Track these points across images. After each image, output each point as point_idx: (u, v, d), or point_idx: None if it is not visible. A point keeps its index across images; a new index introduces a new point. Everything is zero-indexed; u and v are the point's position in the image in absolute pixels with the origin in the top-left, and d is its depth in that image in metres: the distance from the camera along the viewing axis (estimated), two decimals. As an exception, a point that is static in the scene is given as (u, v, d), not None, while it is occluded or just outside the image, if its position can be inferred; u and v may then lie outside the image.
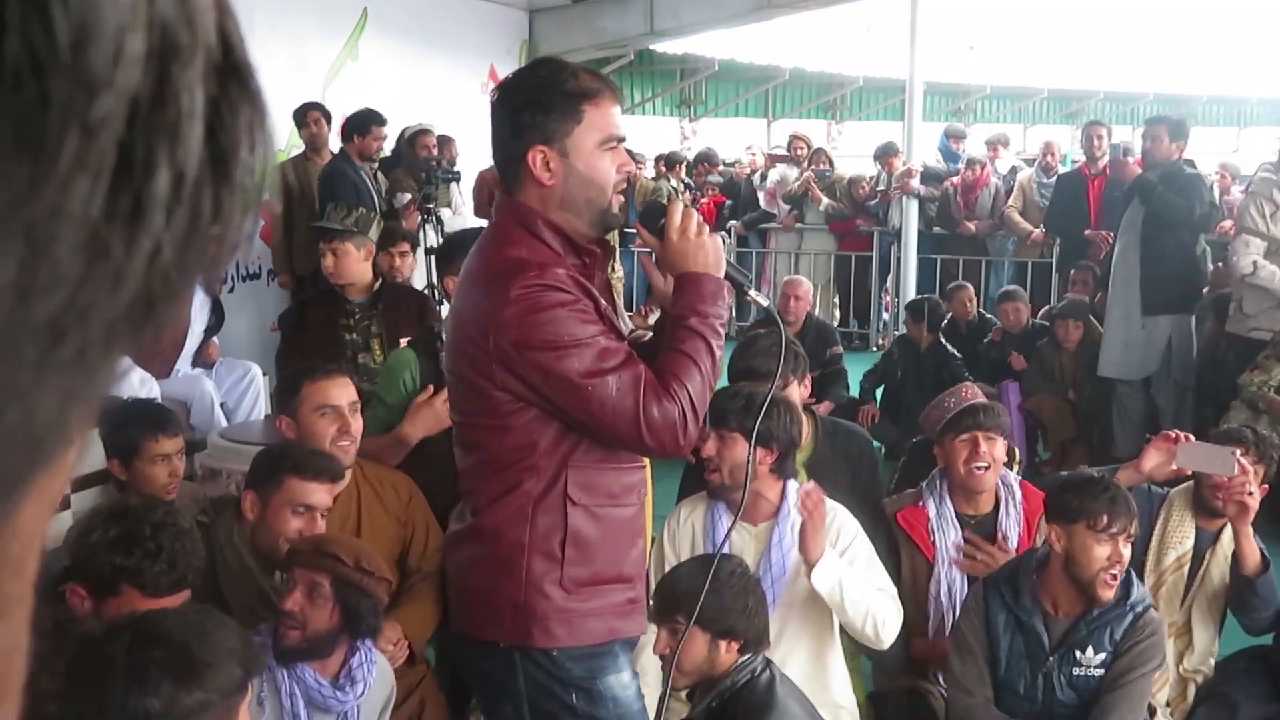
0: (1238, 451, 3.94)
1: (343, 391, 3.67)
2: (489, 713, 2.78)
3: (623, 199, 2.48)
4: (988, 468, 3.92)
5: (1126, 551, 3.38)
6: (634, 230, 2.60)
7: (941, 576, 3.94)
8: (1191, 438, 4.05)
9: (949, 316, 8.27)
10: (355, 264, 4.95)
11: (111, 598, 2.58)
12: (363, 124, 8.03)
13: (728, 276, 2.46)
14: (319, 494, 3.22)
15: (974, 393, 4.14)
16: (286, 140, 8.62)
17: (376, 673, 2.92)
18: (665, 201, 2.52)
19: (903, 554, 3.98)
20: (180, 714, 1.86)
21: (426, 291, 6.76)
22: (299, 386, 3.66)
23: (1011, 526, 4.01)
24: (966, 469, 3.94)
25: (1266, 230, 6.69)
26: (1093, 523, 3.31)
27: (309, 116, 8.15)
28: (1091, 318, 7.57)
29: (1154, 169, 7.01)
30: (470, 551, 2.52)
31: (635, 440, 2.32)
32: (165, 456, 3.92)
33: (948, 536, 3.98)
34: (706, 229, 2.45)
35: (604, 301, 2.44)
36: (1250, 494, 3.89)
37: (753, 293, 2.64)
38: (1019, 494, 4.07)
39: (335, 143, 8.32)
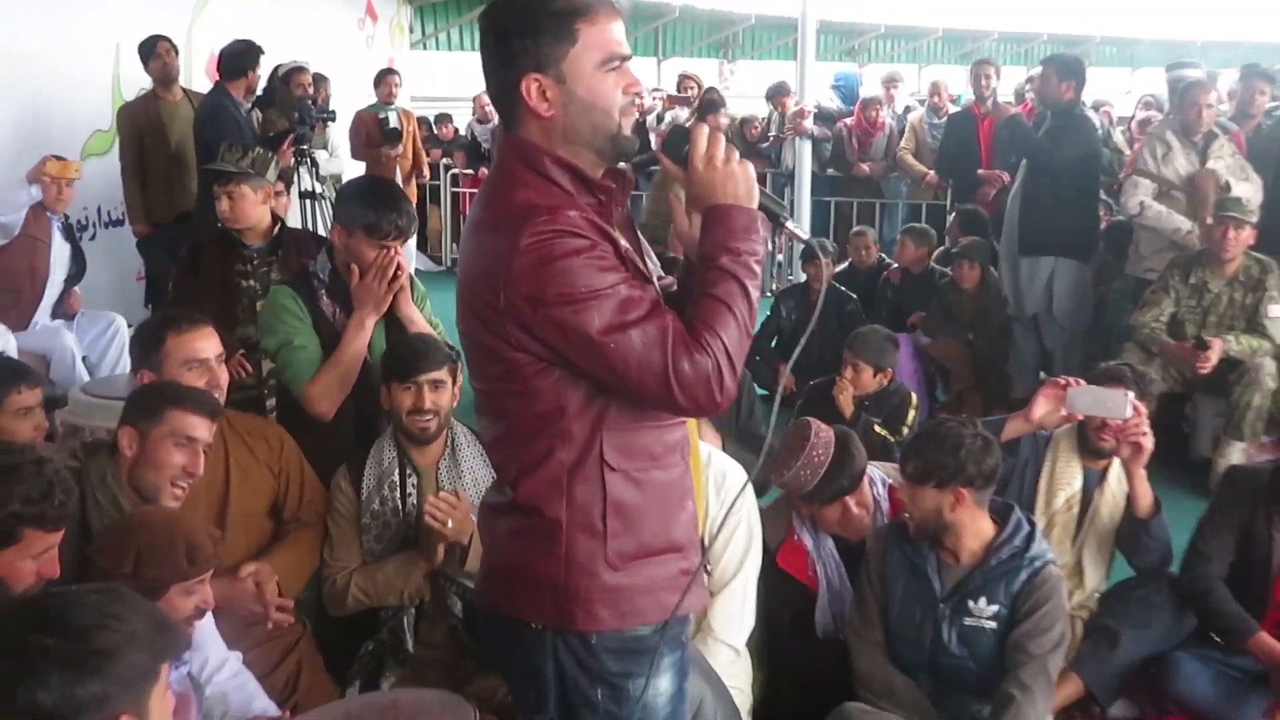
0: (1130, 393, 4.00)
1: (209, 343, 3.64)
2: (514, 695, 2.58)
3: (635, 117, 2.28)
4: (860, 518, 3.92)
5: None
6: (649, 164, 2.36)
7: (828, 604, 3.95)
8: (1081, 382, 4.10)
9: (848, 263, 8.34)
10: (253, 207, 4.82)
11: (12, 545, 2.56)
12: (242, 57, 7.77)
13: (762, 207, 2.26)
14: (201, 427, 3.23)
15: (826, 444, 3.87)
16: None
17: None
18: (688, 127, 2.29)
19: (788, 590, 3.95)
20: (75, 708, 1.76)
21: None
22: (163, 338, 3.60)
23: None
24: (842, 526, 3.95)
25: (1158, 171, 6.85)
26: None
27: (159, 47, 7.81)
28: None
29: (1044, 109, 7.16)
30: (506, 526, 2.34)
31: (666, 399, 2.12)
32: (28, 409, 3.85)
33: (829, 566, 3.99)
34: (736, 155, 2.25)
35: (625, 241, 2.26)
36: (1145, 434, 3.96)
37: (791, 224, 2.37)
38: (886, 507, 4.02)
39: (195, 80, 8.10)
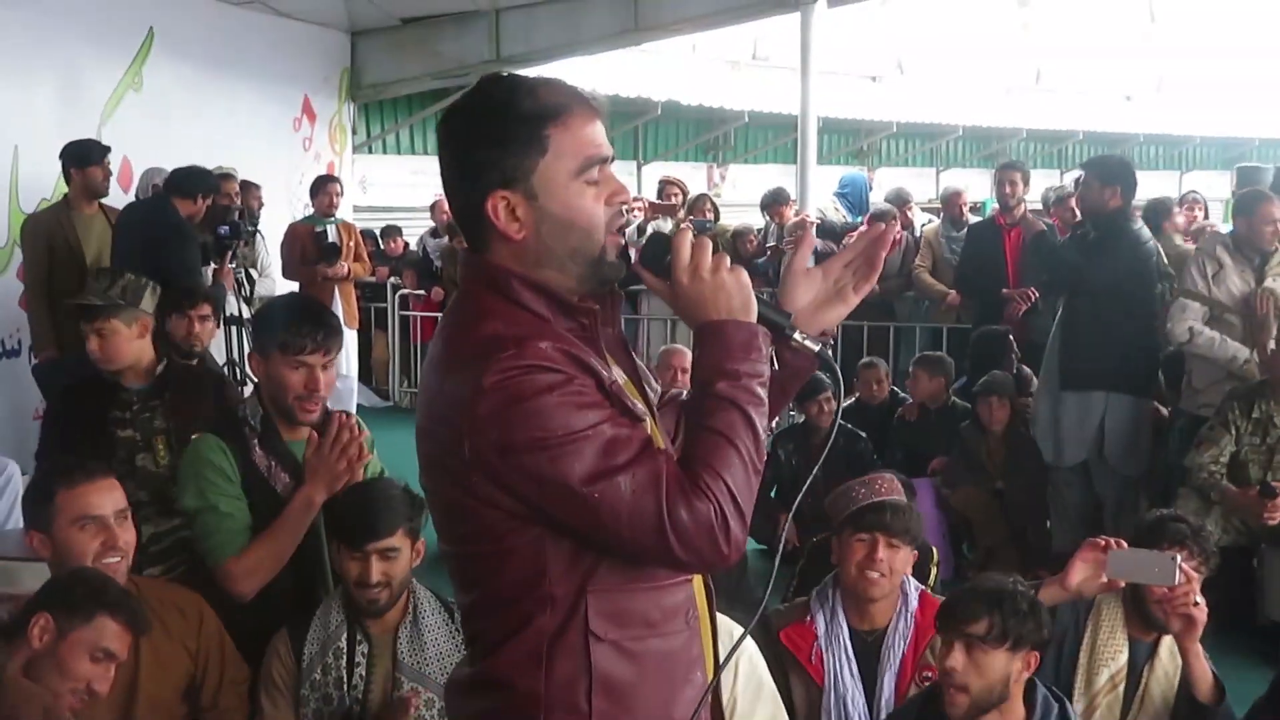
0: (1179, 556, 3.92)
1: (107, 497, 3.60)
2: None
3: (622, 240, 2.24)
4: (882, 576, 3.97)
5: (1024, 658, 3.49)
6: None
7: (832, 704, 3.96)
8: (1124, 544, 4.02)
9: (855, 398, 8.32)
10: (126, 343, 4.76)
11: None
12: (200, 180, 7.83)
13: (762, 319, 2.20)
14: (123, 642, 3.18)
15: (891, 487, 4.13)
16: (54, 187, 8.49)
17: None
18: (669, 234, 2.24)
19: (791, 677, 4.01)
20: None
21: (226, 369, 6.70)
22: (53, 494, 3.58)
23: (897, 643, 4.05)
24: (859, 572, 3.99)
25: (1208, 293, 6.90)
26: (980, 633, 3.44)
27: (104, 160, 7.92)
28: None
29: (1084, 222, 7.24)
30: (476, 706, 2.28)
31: (664, 554, 2.07)
32: None
33: (838, 657, 4.01)
34: (726, 262, 2.18)
35: (616, 370, 2.23)
36: (1196, 604, 3.87)
37: (799, 336, 2.30)
38: (914, 606, 4.10)
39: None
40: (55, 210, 8.06)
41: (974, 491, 7.38)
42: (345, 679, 3.71)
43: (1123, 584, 4.05)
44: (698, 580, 2.39)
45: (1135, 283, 7.20)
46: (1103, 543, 4.03)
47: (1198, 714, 3.98)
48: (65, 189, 8.16)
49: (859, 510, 4.04)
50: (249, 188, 9.24)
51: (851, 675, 3.99)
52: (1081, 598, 4.09)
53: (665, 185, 12.18)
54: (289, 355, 3.88)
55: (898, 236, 10.87)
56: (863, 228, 11.00)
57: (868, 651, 4.04)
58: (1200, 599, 3.90)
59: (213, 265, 7.85)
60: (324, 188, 10.50)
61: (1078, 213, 7.73)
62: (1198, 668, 3.96)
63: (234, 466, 3.90)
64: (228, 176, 8.62)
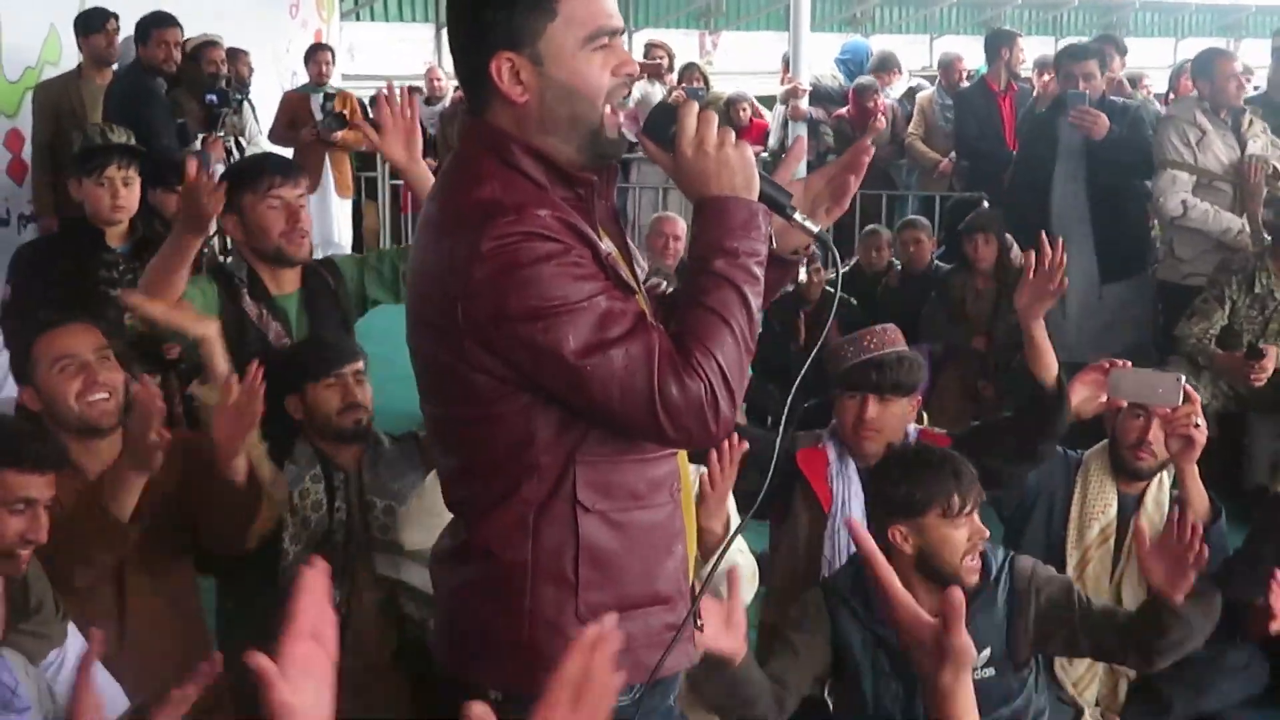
0: (1182, 377, 3.98)
1: (83, 338, 3.55)
2: None
3: (620, 118, 2.22)
4: (876, 433, 4.00)
5: (979, 523, 3.46)
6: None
7: (836, 528, 3.98)
8: (1129, 364, 4.06)
9: (853, 262, 8.12)
10: (136, 196, 4.82)
11: None
12: (155, 24, 7.76)
13: (764, 197, 2.19)
14: (37, 486, 3.08)
15: (881, 340, 4.10)
16: (39, 55, 8.37)
17: None
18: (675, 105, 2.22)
19: (798, 501, 4.06)
20: None
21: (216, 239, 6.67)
22: (30, 342, 3.57)
23: None
24: (853, 432, 4.03)
25: (1194, 161, 6.76)
26: (946, 508, 3.35)
27: (107, 24, 7.80)
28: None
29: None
30: (461, 576, 2.31)
31: (653, 429, 2.09)
32: None
33: (847, 485, 4.06)
34: (731, 137, 2.16)
35: (607, 243, 2.24)
36: (1197, 425, 3.91)
37: (799, 217, 2.28)
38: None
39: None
40: (65, 79, 7.96)
41: (952, 378, 7.16)
42: (325, 502, 3.79)
43: (1123, 403, 4.09)
44: (681, 454, 2.42)
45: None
46: (1106, 364, 4.07)
47: None
48: (50, 57, 8.17)
49: (847, 370, 4.04)
50: (236, 55, 9.10)
51: (855, 502, 4.01)
52: (1079, 417, 4.08)
53: (651, 49, 12.17)
54: (262, 194, 3.98)
55: (882, 108, 10.84)
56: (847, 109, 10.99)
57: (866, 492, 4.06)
58: (1201, 420, 3.94)
59: (200, 135, 7.77)
60: (315, 56, 10.46)
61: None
62: (1194, 489, 4.02)
63: (211, 302, 3.95)
64: (212, 44, 8.45)
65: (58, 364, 3.50)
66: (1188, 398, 3.92)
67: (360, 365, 3.86)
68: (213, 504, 3.56)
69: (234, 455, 3.47)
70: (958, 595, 1.81)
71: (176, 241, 3.81)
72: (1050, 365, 3.95)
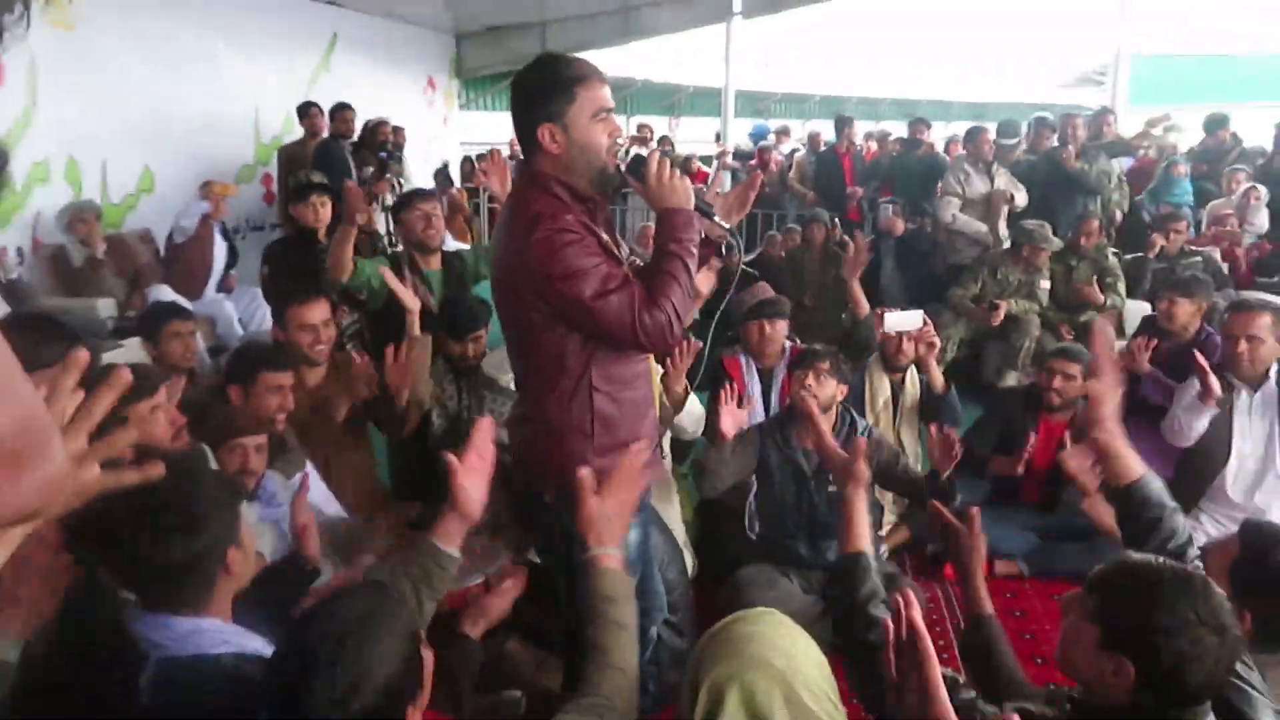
0: (920, 311, 4.17)
1: (315, 311, 3.52)
2: (541, 554, 2.57)
3: (616, 160, 2.20)
4: (772, 344, 4.12)
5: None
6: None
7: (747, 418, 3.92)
8: (895, 310, 4.21)
9: (759, 253, 7.77)
10: (329, 215, 4.84)
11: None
12: (338, 108, 7.83)
13: (697, 208, 2.21)
14: (284, 378, 3.08)
15: (765, 289, 4.28)
16: (281, 127, 8.29)
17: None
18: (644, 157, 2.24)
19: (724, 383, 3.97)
20: (196, 556, 1.58)
21: (385, 240, 6.67)
22: (283, 310, 3.56)
23: (779, 372, 4.11)
24: (756, 345, 4.11)
25: (963, 192, 6.82)
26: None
27: (312, 111, 7.73)
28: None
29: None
30: (528, 430, 2.30)
31: (635, 343, 2.11)
32: (180, 335, 3.68)
33: (753, 379, 4.14)
34: (678, 173, 2.19)
35: (606, 237, 2.20)
36: (934, 337, 4.11)
37: (717, 218, 2.33)
38: (788, 351, 4.19)
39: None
40: (295, 143, 7.85)
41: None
42: (456, 393, 3.71)
43: (892, 333, 4.12)
44: (650, 357, 2.50)
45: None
46: (879, 310, 4.20)
47: (938, 402, 4.08)
48: (287, 129, 8.10)
49: (749, 309, 4.09)
50: (397, 130, 8.95)
51: (755, 387, 4.10)
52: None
53: (640, 128, 11.99)
54: (411, 208, 3.99)
55: (774, 160, 10.58)
56: (753, 162, 10.82)
57: (765, 378, 4.15)
58: (936, 337, 4.13)
59: (376, 178, 7.69)
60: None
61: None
62: (936, 374, 4.13)
63: (375, 272, 3.80)
64: (384, 122, 8.31)
65: (301, 327, 3.49)
66: (926, 324, 4.10)
67: (480, 332, 3.65)
68: (383, 416, 3.58)
69: (403, 389, 3.47)
70: (861, 443, 2.14)
71: (341, 229, 3.77)
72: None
